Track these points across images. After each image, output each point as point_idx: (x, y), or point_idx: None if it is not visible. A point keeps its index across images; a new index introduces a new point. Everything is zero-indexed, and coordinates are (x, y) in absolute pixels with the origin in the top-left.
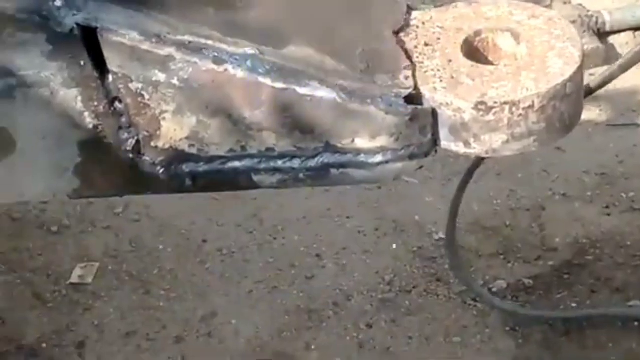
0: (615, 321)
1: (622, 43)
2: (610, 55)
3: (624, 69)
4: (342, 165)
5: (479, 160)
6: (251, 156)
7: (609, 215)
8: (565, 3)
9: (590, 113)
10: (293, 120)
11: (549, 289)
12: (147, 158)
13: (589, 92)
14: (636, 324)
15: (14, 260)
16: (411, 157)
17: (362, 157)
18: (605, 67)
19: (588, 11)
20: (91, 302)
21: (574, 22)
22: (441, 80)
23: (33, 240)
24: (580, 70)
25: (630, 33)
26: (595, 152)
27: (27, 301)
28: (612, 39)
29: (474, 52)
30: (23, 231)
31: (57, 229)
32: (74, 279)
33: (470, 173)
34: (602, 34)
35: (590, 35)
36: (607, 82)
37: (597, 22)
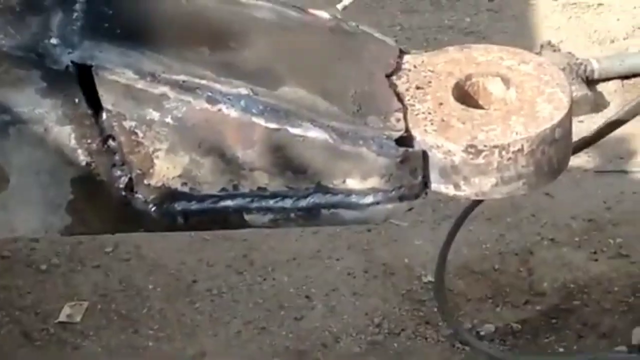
0: None
1: (611, 91)
2: (598, 103)
3: (616, 126)
4: (333, 206)
5: (473, 205)
6: (243, 195)
7: (596, 260)
8: (554, 50)
9: (579, 159)
10: (285, 160)
11: (537, 334)
12: (140, 196)
13: (585, 144)
14: None
15: (2, 298)
16: (401, 198)
17: (353, 198)
18: (593, 115)
19: (577, 59)
20: (79, 341)
21: (563, 69)
22: (432, 123)
23: (22, 278)
24: (568, 116)
25: (618, 81)
26: (583, 198)
27: (15, 339)
28: (600, 87)
29: (464, 95)
30: (12, 269)
31: (46, 267)
32: (63, 317)
33: (462, 219)
34: (590, 82)
35: (579, 82)
36: (601, 137)
37: (585, 70)
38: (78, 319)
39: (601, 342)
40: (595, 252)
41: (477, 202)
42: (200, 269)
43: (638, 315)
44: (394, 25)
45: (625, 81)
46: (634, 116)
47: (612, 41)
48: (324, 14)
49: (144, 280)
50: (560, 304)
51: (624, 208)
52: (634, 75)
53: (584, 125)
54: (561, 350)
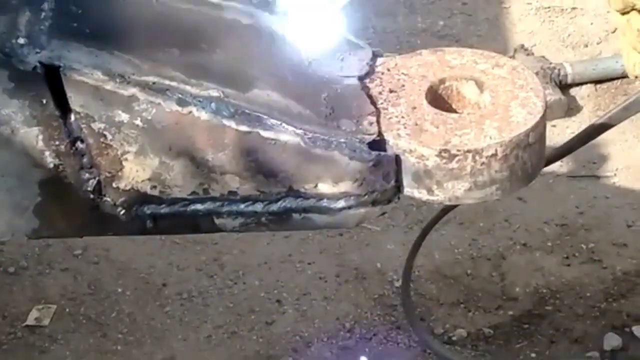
0: None
1: (584, 95)
2: (572, 107)
3: (585, 141)
4: (304, 210)
5: (444, 212)
6: (213, 199)
7: (569, 265)
8: (527, 54)
9: (552, 164)
10: (256, 163)
11: (509, 339)
12: (108, 199)
13: (568, 150)
14: None
15: None
16: (374, 203)
17: (324, 202)
18: (566, 119)
19: (550, 63)
20: (47, 345)
21: (536, 73)
22: (405, 127)
23: None
24: (543, 120)
25: (591, 85)
26: (556, 203)
27: None
28: (573, 91)
29: (438, 99)
30: None
31: (14, 270)
32: (30, 321)
33: (431, 225)
34: (564, 86)
35: (553, 87)
36: (568, 152)
37: (559, 74)
38: (46, 322)
39: (573, 347)
40: (567, 257)
41: (448, 209)
42: (170, 272)
43: (610, 320)
44: (367, 28)
45: (599, 85)
46: (619, 121)
47: (586, 45)
48: None
49: (113, 284)
50: (533, 309)
51: (596, 213)
52: (607, 80)
53: (557, 130)
54: (533, 355)
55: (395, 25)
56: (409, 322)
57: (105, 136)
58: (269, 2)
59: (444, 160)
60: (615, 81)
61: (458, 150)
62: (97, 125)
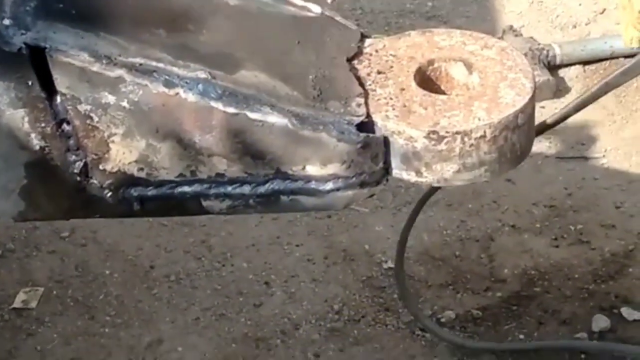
0: (563, 353)
1: (572, 76)
2: (560, 88)
3: (580, 107)
4: (292, 192)
5: (432, 190)
6: (201, 181)
7: (557, 247)
8: (516, 35)
9: (540, 145)
10: (244, 145)
11: (497, 320)
12: (95, 181)
13: (545, 127)
14: (583, 356)
15: None
16: (362, 185)
17: (312, 184)
18: (555, 100)
19: (539, 44)
20: (34, 328)
21: (525, 54)
22: (393, 109)
23: None
24: (532, 101)
25: (580, 66)
26: (544, 185)
27: None
28: (562, 72)
29: (426, 81)
30: None
31: (1, 252)
32: (17, 303)
33: (421, 203)
34: (552, 67)
35: (541, 67)
36: (563, 120)
37: (547, 55)
38: (33, 305)
39: (562, 328)
40: (556, 239)
41: (436, 188)
42: (158, 254)
43: (598, 302)
44: (355, 9)
45: (587, 67)
46: (617, 86)
47: (574, 26)
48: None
49: (100, 266)
50: (521, 290)
51: (584, 194)
52: (596, 61)
53: (546, 111)
54: (521, 337)
55: (384, 6)
56: (402, 300)
57: (91, 118)
58: None
59: (433, 142)
60: (604, 62)
61: (447, 132)
62: (83, 107)
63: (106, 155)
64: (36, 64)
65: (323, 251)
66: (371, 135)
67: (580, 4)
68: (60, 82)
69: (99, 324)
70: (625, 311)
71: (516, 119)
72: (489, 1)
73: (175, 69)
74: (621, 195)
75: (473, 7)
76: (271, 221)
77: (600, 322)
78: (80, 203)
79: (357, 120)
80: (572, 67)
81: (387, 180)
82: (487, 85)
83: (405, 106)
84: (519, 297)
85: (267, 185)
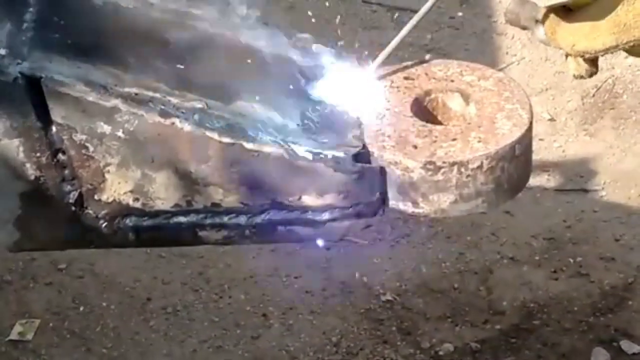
0: None
1: (571, 109)
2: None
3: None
4: (288, 223)
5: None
6: (197, 211)
7: (556, 279)
8: None
9: (539, 178)
10: (240, 175)
11: (496, 354)
12: (90, 211)
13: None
14: None
15: None
16: (359, 215)
17: (309, 215)
18: (553, 133)
19: None
20: None
21: None
22: (390, 139)
23: None
24: (529, 132)
25: (578, 99)
26: (543, 217)
27: None
28: (559, 105)
29: (423, 111)
30: None
31: None
32: (14, 335)
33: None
34: None
35: None
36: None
37: None
38: (30, 337)
39: None
40: (555, 271)
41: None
42: (155, 286)
43: (598, 335)
44: (353, 42)
45: (585, 100)
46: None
47: None
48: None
49: (97, 298)
50: (520, 323)
51: (584, 227)
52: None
53: (544, 144)
54: None
55: (383, 38)
56: None
57: (87, 148)
58: (255, 17)
59: (429, 173)
60: (602, 95)
61: (443, 162)
62: (78, 137)
63: (101, 185)
64: (32, 94)
65: (321, 283)
66: (367, 165)
67: None
68: (56, 111)
69: (96, 356)
70: (625, 344)
71: (513, 149)
72: (488, 34)
73: (171, 99)
74: (620, 228)
75: (472, 40)
76: (269, 253)
77: (600, 355)
78: (76, 233)
79: (354, 150)
80: (570, 101)
81: (383, 211)
82: (484, 116)
83: (401, 136)
84: (517, 330)
85: (263, 216)
